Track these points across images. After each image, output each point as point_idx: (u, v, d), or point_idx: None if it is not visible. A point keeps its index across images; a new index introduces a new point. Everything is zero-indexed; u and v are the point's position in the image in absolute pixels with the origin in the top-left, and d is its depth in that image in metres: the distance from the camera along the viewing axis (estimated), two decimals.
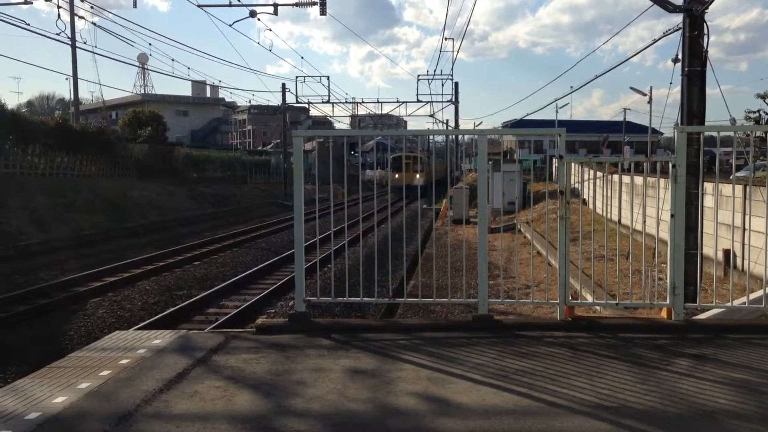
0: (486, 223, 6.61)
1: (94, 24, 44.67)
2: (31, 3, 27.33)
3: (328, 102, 44.18)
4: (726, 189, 13.58)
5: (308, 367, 5.38)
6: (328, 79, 43.24)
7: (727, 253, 12.20)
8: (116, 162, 38.78)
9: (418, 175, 30.79)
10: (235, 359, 5.62)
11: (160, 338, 6.27)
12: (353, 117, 54.48)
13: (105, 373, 5.21)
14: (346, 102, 50.45)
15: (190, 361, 5.53)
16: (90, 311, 13.10)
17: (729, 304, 7.09)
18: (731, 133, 7.12)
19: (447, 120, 61.13)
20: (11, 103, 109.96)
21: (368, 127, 51.66)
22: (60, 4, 25.67)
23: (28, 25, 40.44)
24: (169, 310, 12.69)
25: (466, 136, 50.34)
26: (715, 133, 7.24)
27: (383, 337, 6.25)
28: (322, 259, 17.77)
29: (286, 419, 4.30)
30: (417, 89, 43.40)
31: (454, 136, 44.32)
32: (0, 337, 11.10)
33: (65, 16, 35.73)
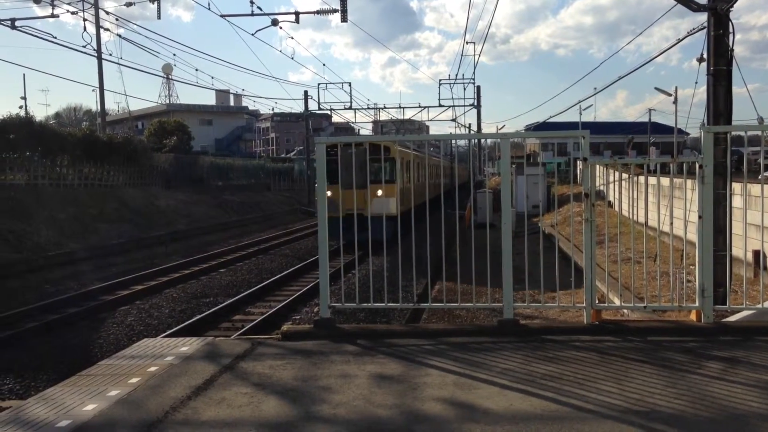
0: (510, 227, 6.58)
1: (120, 36, 45.48)
2: (58, 17, 27.85)
3: (350, 108, 44.41)
4: (755, 189, 13.37)
5: (334, 373, 5.39)
6: (350, 85, 43.63)
7: (756, 254, 12.01)
8: (142, 171, 39.29)
9: (380, 191, 20.14)
10: (261, 366, 5.66)
11: (188, 345, 6.33)
12: (375, 123, 54.68)
13: (134, 380, 5.27)
14: (368, 108, 50.64)
15: (218, 368, 5.57)
16: (119, 319, 13.26)
17: (760, 305, 6.98)
18: (759, 133, 7.02)
19: (469, 124, 60.95)
20: (39, 115, 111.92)
21: (390, 133, 51.79)
22: (86, 17, 26.11)
23: (55, 38, 41.20)
24: (196, 318, 12.80)
25: (489, 140, 50.25)
26: (742, 133, 7.13)
27: (408, 343, 6.24)
28: (345, 265, 17.96)
29: (312, 425, 4.31)
30: (439, 94, 43.26)
31: (476, 140, 44.23)
32: (31, 346, 11.28)
33: (91, 29, 36.30)
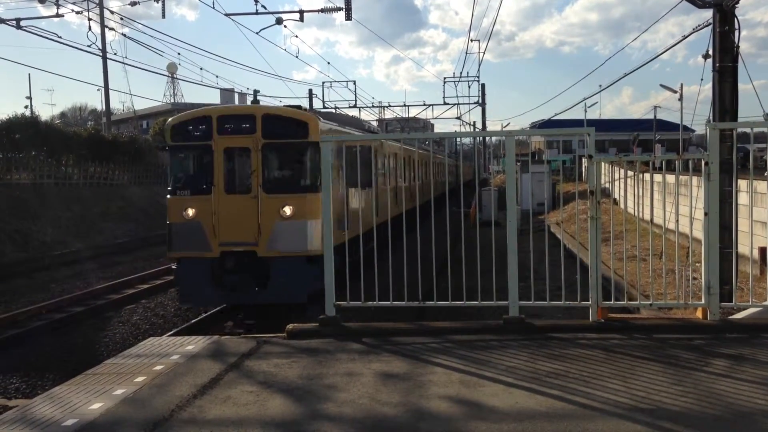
0: (516, 225, 6.57)
1: (124, 35, 45.62)
2: (62, 16, 27.90)
3: (354, 107, 44.31)
4: (761, 186, 13.32)
5: (340, 371, 5.40)
6: (355, 83, 43.29)
7: (763, 251, 11.96)
8: (147, 170, 39.34)
9: (287, 210, 11.02)
10: (267, 364, 5.66)
11: (193, 344, 6.34)
12: (380, 121, 54.62)
13: (140, 379, 5.28)
14: (373, 106, 50.60)
15: (223, 367, 5.58)
16: (124, 318, 13.30)
17: (766, 303, 6.95)
18: (765, 129, 7.00)
19: (474, 122, 60.82)
20: (45, 114, 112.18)
21: (395, 131, 51.76)
22: (90, 17, 26.15)
23: (60, 37, 41.21)
24: (202, 316, 12.81)
25: (493, 138, 50.13)
26: (748, 129, 7.10)
27: (414, 341, 6.24)
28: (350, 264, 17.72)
29: (318, 424, 4.32)
30: (443, 92, 43.03)
31: (481, 138, 44.14)
32: (37, 346, 11.32)
33: (96, 28, 36.35)
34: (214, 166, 10.87)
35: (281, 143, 11.38)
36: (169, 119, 12.50)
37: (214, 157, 10.60)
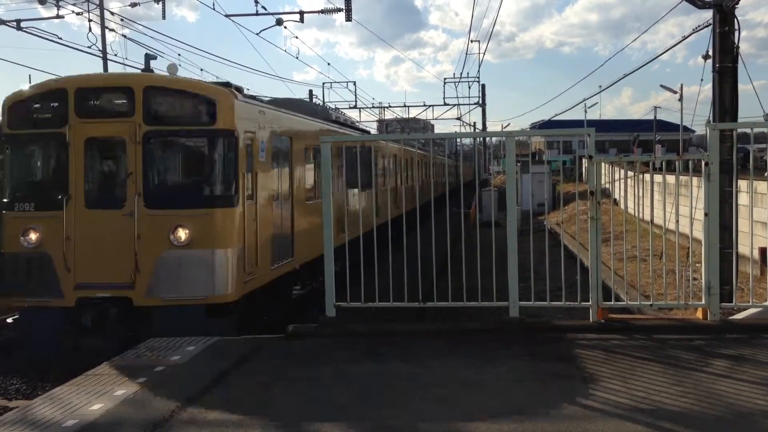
0: (516, 225, 6.58)
1: (124, 36, 45.40)
2: (63, 17, 27.87)
3: (354, 107, 44.27)
4: (761, 186, 13.31)
5: (339, 371, 5.40)
6: (355, 84, 43.24)
7: (763, 251, 11.96)
8: None
9: (182, 233, 7.47)
10: (267, 365, 5.67)
11: (194, 345, 6.34)
12: (380, 122, 54.56)
13: (140, 380, 5.28)
14: (373, 107, 50.50)
15: (224, 367, 5.58)
16: None
17: (766, 303, 6.95)
18: (765, 129, 7.01)
19: (474, 122, 60.77)
20: None
21: (396, 131, 51.75)
22: (91, 18, 26.17)
23: (60, 39, 41.17)
24: None
25: (494, 138, 50.13)
26: (748, 130, 7.11)
27: (414, 341, 6.24)
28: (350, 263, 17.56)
29: (318, 424, 4.32)
30: (444, 92, 43.13)
31: (481, 139, 44.14)
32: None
33: (96, 30, 36.34)
34: (70, 167, 7.72)
35: (174, 131, 8.03)
36: (9, 94, 8.58)
37: (70, 151, 7.54)
